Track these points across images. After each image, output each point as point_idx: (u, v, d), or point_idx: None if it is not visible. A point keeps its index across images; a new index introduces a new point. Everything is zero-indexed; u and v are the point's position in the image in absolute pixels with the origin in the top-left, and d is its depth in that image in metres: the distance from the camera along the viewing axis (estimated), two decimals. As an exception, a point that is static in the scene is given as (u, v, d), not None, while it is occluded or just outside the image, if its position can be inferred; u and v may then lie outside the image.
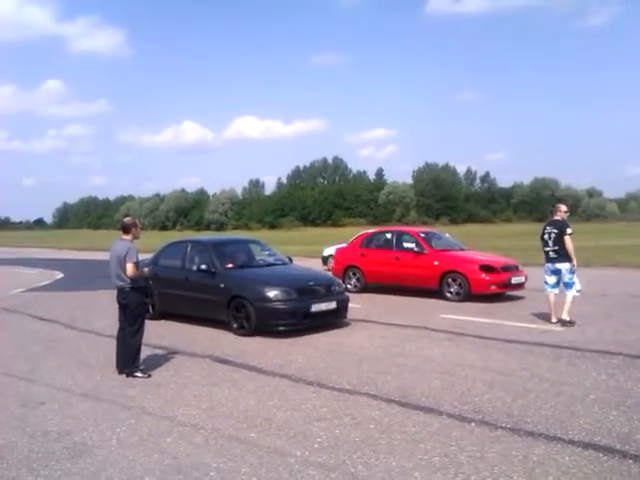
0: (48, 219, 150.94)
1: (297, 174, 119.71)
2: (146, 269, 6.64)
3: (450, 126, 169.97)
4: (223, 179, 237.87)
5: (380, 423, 4.50)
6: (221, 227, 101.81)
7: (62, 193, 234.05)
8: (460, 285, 10.89)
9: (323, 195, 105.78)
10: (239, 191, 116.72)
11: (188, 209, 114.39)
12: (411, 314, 9.66)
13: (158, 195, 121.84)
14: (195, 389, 5.56)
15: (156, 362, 6.62)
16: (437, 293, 11.23)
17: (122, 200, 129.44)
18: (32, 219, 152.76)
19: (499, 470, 3.61)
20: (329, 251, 18.64)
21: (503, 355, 6.65)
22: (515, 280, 10.94)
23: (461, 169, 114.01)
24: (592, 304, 9.91)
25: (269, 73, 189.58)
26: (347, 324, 8.77)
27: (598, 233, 40.71)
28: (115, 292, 6.31)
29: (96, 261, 24.25)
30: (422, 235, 12.19)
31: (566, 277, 8.21)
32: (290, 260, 9.96)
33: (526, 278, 11.16)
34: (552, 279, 8.39)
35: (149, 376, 6.04)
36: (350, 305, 9.01)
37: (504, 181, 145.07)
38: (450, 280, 11.02)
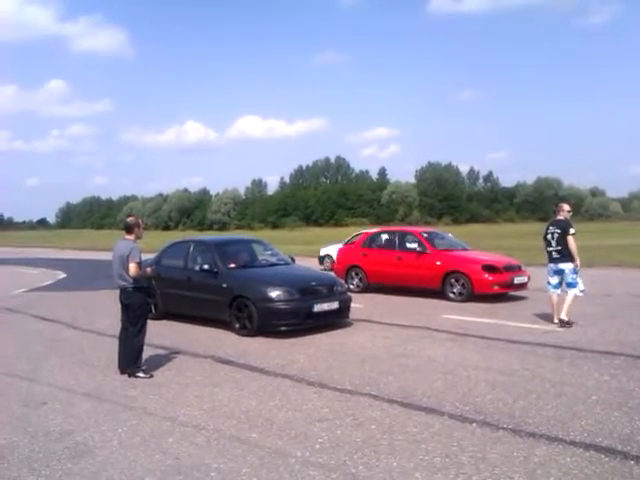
0: (51, 219, 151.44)
1: (300, 174, 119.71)
2: (149, 269, 6.66)
3: (452, 125, 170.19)
4: (226, 179, 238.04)
5: (381, 424, 4.49)
6: (224, 227, 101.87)
7: (65, 193, 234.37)
8: (463, 285, 10.87)
9: (326, 195, 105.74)
10: (242, 191, 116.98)
11: (191, 209, 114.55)
12: (413, 314, 9.65)
13: (161, 195, 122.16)
14: (197, 389, 5.57)
15: (158, 362, 6.63)
16: (440, 293, 11.22)
17: (125, 200, 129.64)
18: (35, 219, 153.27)
19: (500, 471, 3.61)
20: (325, 251, 18.69)
21: (505, 355, 6.64)
22: (518, 280, 10.92)
23: (464, 168, 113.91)
24: (595, 304, 9.88)
25: (271, 73, 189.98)
26: (349, 324, 8.77)
27: (601, 233, 40.61)
28: (117, 292, 6.32)
29: (99, 261, 24.31)
30: (425, 235, 12.18)
31: (569, 277, 8.18)
32: (292, 260, 9.96)
33: (529, 278, 11.14)
34: (555, 279, 8.36)
35: (151, 376, 6.04)
36: (352, 305, 9.00)
37: (507, 181, 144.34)
38: (453, 280, 11.01)
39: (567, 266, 8.16)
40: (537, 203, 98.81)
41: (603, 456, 3.79)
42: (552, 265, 8.35)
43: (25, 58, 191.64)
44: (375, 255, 12.52)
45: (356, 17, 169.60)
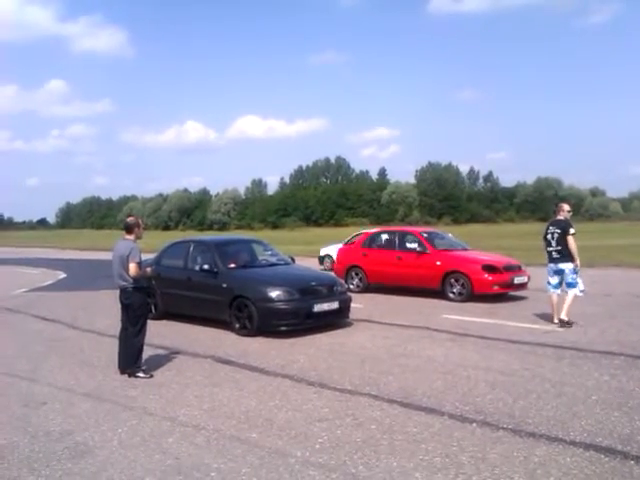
0: (51, 219, 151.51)
1: (300, 174, 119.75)
2: (149, 269, 6.67)
3: (452, 125, 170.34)
4: (226, 179, 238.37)
5: (381, 424, 4.49)
6: (224, 227, 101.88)
7: (65, 193, 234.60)
8: (463, 285, 10.87)
9: (326, 195, 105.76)
10: (242, 191, 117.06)
11: (191, 209, 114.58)
12: (413, 314, 9.65)
13: (161, 195, 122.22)
14: (197, 389, 5.57)
15: (158, 362, 6.63)
16: (440, 293, 11.22)
17: (125, 200, 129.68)
18: (35, 219, 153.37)
19: (500, 471, 3.61)
20: (325, 251, 18.72)
21: (505, 355, 6.64)
22: (518, 280, 10.92)
23: (464, 169, 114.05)
24: (595, 304, 9.88)
25: (271, 72, 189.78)
26: (349, 324, 8.77)
27: (601, 232, 40.62)
28: (118, 292, 6.32)
29: (99, 261, 24.31)
30: (425, 235, 12.18)
31: (569, 277, 8.18)
32: (292, 260, 9.96)
33: (529, 278, 11.13)
34: (555, 279, 8.36)
35: (151, 376, 6.04)
36: (352, 305, 9.00)
37: (507, 181, 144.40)
38: (453, 280, 11.01)
39: (567, 266, 8.16)
40: (537, 203, 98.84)
41: (603, 456, 3.79)
42: (552, 265, 8.35)
43: (25, 58, 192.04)
44: (375, 255, 12.52)
45: (356, 17, 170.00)
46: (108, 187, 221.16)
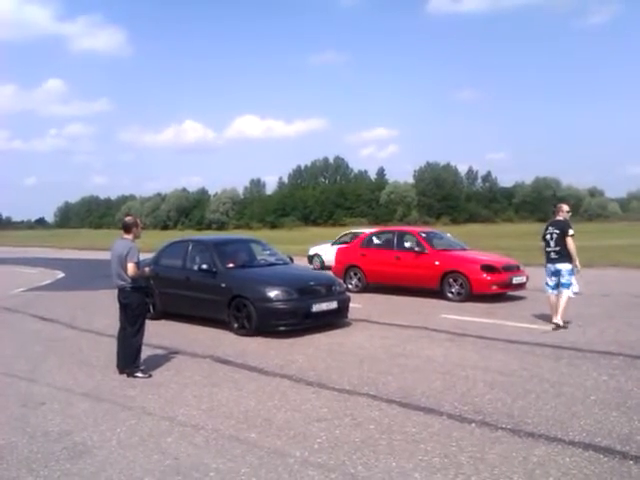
0: (49, 218, 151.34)
1: (298, 174, 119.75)
2: (147, 269, 6.64)
3: (451, 125, 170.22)
4: (224, 179, 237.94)
5: (380, 424, 4.49)
6: (222, 227, 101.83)
7: (63, 192, 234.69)
8: (461, 285, 10.88)
9: (324, 195, 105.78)
10: (240, 191, 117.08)
11: (189, 209, 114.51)
12: (412, 314, 9.65)
13: (159, 194, 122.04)
14: (196, 389, 5.56)
15: (157, 362, 6.62)
16: (438, 293, 11.22)
17: (123, 199, 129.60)
18: (33, 218, 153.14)
19: (499, 471, 3.61)
20: (314, 250, 18.83)
21: (504, 355, 6.64)
22: (516, 280, 10.92)
23: (462, 169, 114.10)
24: (593, 304, 9.90)
25: (270, 72, 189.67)
26: (348, 324, 8.77)
27: (600, 233, 40.66)
28: (116, 292, 6.31)
29: (97, 260, 24.30)
30: (423, 235, 12.18)
31: (564, 278, 8.11)
32: (291, 260, 9.96)
33: (527, 278, 11.14)
34: (553, 280, 8.33)
35: (150, 376, 6.04)
36: (351, 305, 9.00)
37: (505, 181, 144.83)
38: (451, 280, 11.01)
39: (564, 267, 8.14)
40: (536, 203, 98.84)
41: (602, 456, 3.79)
42: (550, 266, 8.34)
43: (24, 57, 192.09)
44: (374, 255, 12.52)
45: (356, 17, 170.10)
46: (106, 186, 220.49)
